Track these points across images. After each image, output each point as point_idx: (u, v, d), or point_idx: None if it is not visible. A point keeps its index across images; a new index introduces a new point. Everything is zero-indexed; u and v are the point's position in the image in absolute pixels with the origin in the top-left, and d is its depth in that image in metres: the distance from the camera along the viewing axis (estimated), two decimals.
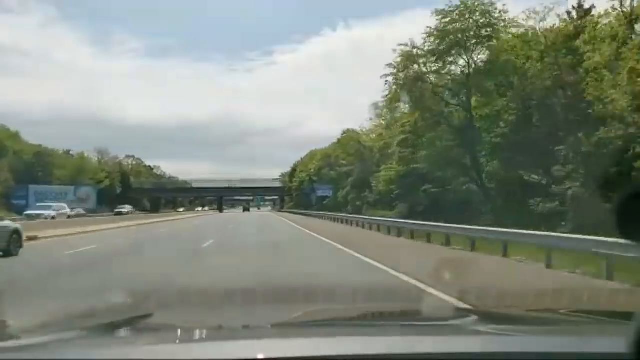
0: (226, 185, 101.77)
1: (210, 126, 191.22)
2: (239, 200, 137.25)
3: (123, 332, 2.06)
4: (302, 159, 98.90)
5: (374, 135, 56.04)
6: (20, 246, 15.34)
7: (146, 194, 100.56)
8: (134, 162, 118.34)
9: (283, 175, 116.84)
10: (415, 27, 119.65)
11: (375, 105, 55.71)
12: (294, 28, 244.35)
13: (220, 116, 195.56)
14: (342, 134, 63.32)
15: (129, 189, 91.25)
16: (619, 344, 1.20)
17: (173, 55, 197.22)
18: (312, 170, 72.53)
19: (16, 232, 15.31)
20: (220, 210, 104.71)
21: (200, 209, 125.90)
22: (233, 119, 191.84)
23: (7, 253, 14.36)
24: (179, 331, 2.01)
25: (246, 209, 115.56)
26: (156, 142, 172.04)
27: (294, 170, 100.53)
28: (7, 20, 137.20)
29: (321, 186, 65.58)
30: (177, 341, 1.78)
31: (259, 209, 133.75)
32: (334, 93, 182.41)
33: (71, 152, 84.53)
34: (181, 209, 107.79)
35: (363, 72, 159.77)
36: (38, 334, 2.06)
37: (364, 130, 59.25)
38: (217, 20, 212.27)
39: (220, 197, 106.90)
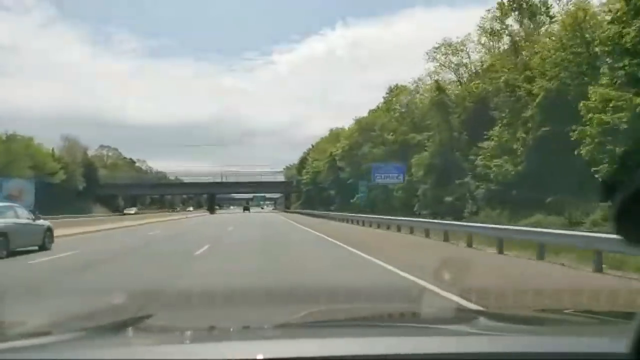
0: (219, 180, 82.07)
1: (210, 126, 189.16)
2: (236, 199, 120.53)
3: (123, 333, 1.99)
4: (313, 145, 78.77)
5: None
6: (52, 241, 16.75)
7: (121, 190, 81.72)
8: (110, 154, 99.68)
9: (288, 167, 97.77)
10: (414, 26, 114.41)
11: (446, 46, 35.82)
12: (293, 28, 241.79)
13: (220, 116, 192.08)
14: (388, 93, 42.47)
15: (95, 183, 72.26)
16: (619, 344, 1.19)
17: (173, 55, 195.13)
18: (339, 151, 51.25)
19: (49, 230, 16.72)
20: (212, 210, 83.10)
21: (177, 209, 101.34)
22: (233, 119, 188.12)
23: (42, 247, 15.80)
24: (179, 332, 2.00)
25: (246, 209, 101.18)
26: (155, 142, 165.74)
27: (303, 160, 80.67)
28: (7, 19, 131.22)
29: (382, 166, 37.11)
30: (177, 342, 1.75)
31: (262, 208, 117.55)
32: (334, 93, 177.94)
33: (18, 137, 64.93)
34: (132, 210, 74.06)
35: (363, 71, 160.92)
36: (38, 335, 2.07)
37: (421, 89, 39.41)
38: (217, 20, 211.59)
39: (212, 194, 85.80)
